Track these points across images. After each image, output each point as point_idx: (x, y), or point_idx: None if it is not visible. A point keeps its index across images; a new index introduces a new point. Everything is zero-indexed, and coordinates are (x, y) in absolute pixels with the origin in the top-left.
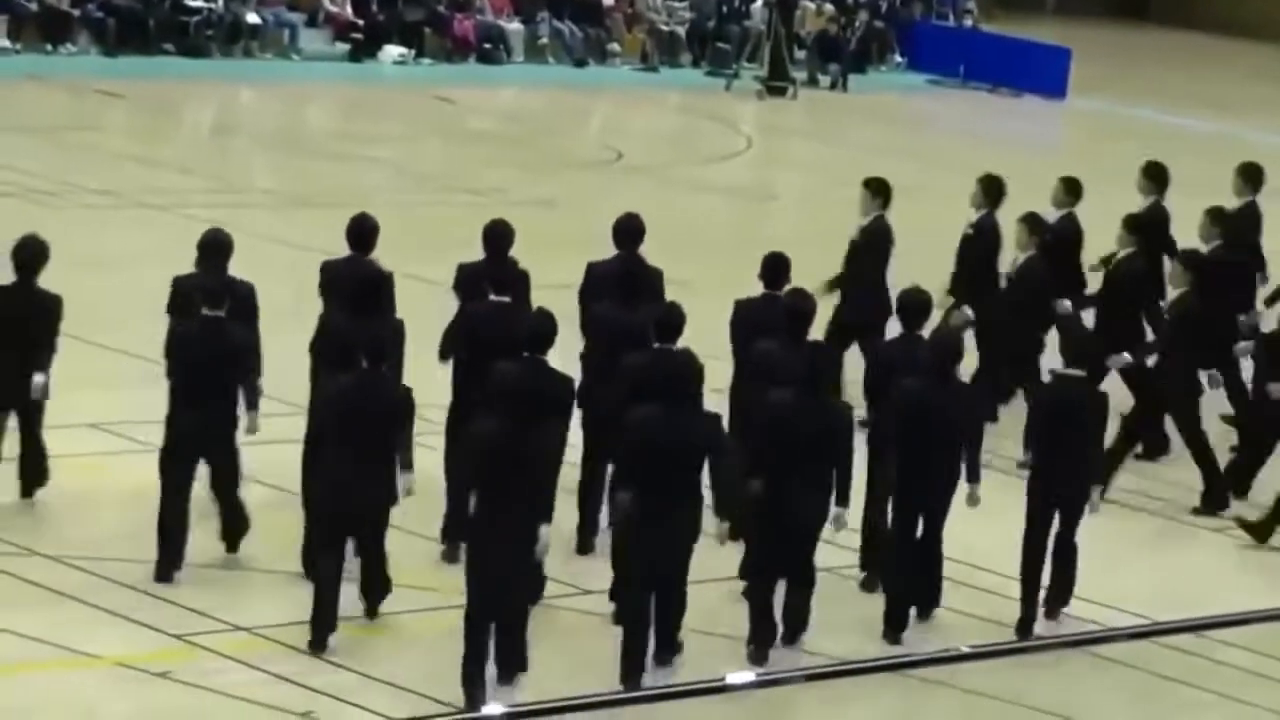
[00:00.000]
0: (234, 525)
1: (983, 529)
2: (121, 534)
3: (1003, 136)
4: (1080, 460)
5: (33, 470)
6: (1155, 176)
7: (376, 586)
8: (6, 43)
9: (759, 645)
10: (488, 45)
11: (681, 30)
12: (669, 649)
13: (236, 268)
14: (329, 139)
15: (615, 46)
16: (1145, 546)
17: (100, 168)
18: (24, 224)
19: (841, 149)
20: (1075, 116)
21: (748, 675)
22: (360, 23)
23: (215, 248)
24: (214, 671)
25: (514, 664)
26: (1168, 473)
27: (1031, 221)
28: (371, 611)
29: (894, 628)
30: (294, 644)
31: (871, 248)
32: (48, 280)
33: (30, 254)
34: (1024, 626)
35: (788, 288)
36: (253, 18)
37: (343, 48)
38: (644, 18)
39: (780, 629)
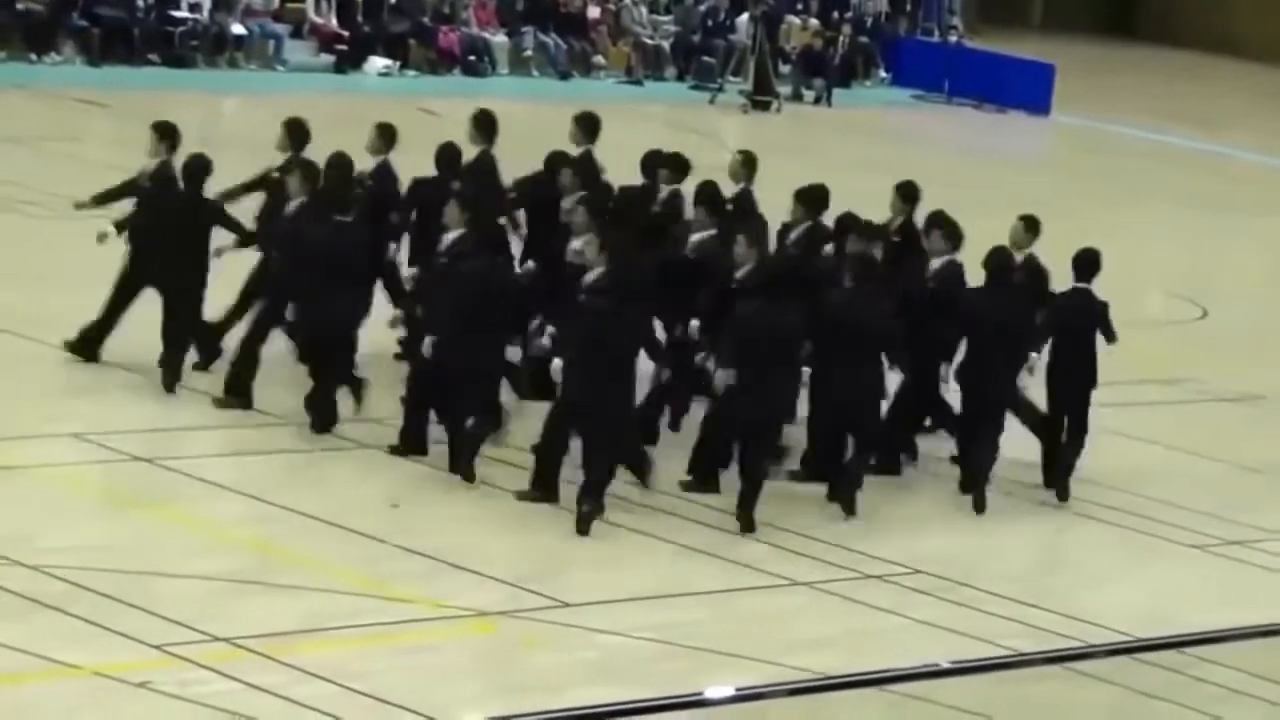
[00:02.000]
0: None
1: (964, 543)
2: (101, 544)
3: (986, 151)
4: (1088, 361)
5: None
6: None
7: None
8: None
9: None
10: (472, 57)
11: (666, 44)
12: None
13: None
14: (314, 150)
15: (600, 59)
16: (1125, 563)
17: (85, 178)
18: (7, 234)
19: (825, 164)
20: (1059, 132)
21: (726, 690)
22: (345, 34)
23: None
24: (193, 682)
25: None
26: (1149, 488)
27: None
28: (469, 470)
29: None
30: (273, 655)
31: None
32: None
33: (197, 167)
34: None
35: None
36: (238, 28)
37: (328, 59)
38: (629, 31)
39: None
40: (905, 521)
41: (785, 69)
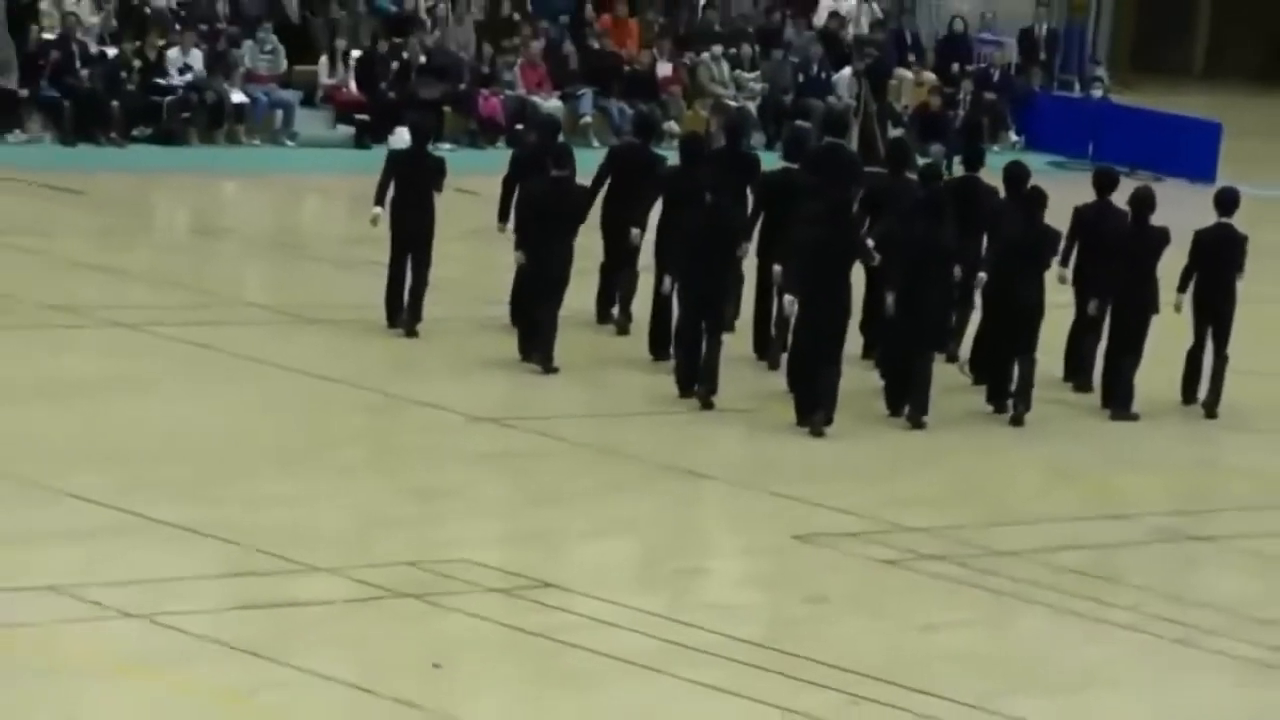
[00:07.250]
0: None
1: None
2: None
3: None
4: (1230, 287)
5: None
6: None
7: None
8: None
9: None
10: (519, 126)
11: (752, 105)
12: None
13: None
14: (331, 242)
15: (673, 126)
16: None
17: (56, 278)
18: None
19: None
20: None
21: None
22: (367, 102)
23: (549, 126)
24: None
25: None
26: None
27: None
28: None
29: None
30: None
31: None
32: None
33: (428, 125)
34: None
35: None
36: (238, 96)
37: (346, 131)
38: (707, 91)
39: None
40: None
41: (897, 133)
